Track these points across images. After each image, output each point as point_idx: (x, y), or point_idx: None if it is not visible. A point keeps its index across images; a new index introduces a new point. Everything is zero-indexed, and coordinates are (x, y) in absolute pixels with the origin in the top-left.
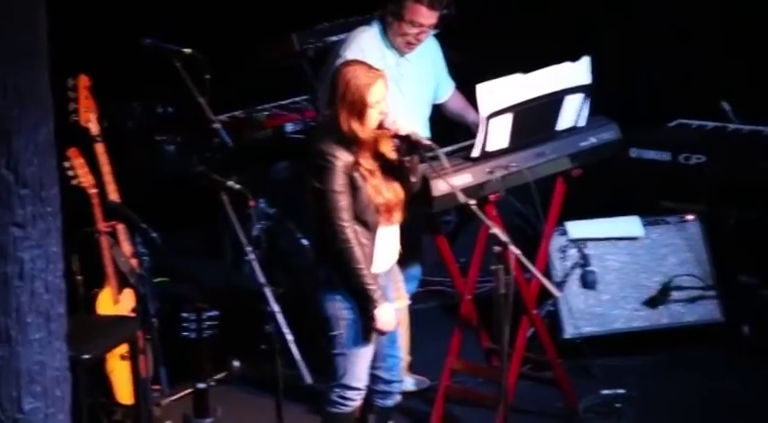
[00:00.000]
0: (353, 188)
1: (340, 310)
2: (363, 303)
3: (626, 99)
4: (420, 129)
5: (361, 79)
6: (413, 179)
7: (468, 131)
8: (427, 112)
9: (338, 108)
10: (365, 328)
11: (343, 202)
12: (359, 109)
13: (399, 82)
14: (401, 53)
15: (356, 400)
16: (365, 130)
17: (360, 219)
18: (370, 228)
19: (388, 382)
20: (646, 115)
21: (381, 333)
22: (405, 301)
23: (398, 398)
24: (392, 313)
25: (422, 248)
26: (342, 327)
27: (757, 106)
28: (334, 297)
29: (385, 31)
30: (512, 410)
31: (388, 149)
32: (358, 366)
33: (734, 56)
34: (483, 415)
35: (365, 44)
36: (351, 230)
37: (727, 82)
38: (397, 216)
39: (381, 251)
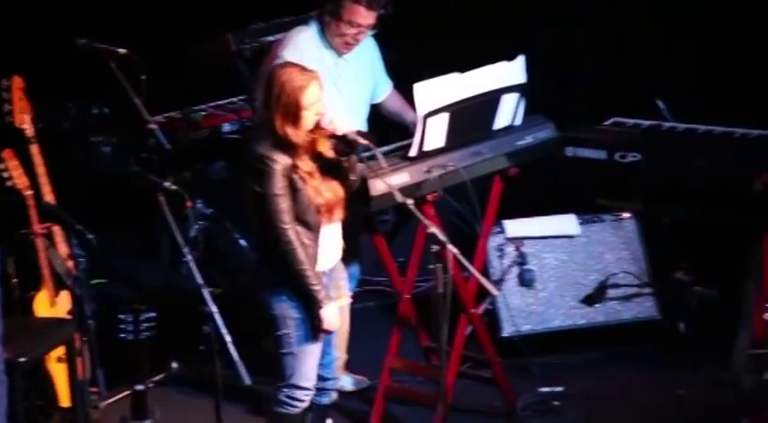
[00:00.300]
0: (293, 190)
1: (287, 310)
2: (308, 304)
3: (562, 98)
4: (358, 128)
5: (296, 82)
6: (352, 178)
7: (406, 131)
8: (365, 111)
9: (273, 111)
10: (312, 327)
11: (284, 204)
12: (293, 112)
13: (337, 82)
14: (339, 53)
15: (305, 400)
16: (300, 134)
17: (301, 220)
18: (312, 228)
19: (324, 380)
20: (581, 114)
21: (327, 333)
22: (346, 300)
23: (335, 395)
24: (337, 313)
25: (360, 248)
26: (289, 326)
27: (692, 104)
28: (281, 297)
29: (323, 32)
30: (451, 409)
31: (326, 149)
32: (306, 365)
33: (669, 54)
34: (422, 414)
35: (303, 44)
36: (293, 232)
37: (662, 80)
38: (338, 215)
39: (325, 250)
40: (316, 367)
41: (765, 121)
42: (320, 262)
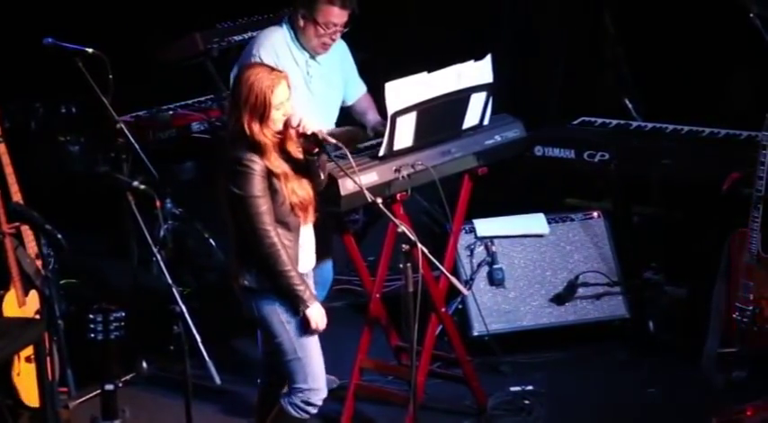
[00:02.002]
0: (272, 191)
1: (279, 315)
2: (294, 305)
3: (530, 97)
4: (329, 128)
5: (264, 81)
6: (321, 176)
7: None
8: (336, 112)
9: (242, 110)
10: (306, 326)
11: (265, 206)
12: (262, 111)
13: (309, 83)
14: (312, 54)
15: (318, 404)
16: (266, 133)
17: (281, 221)
18: (292, 229)
19: None
20: (550, 113)
21: (315, 333)
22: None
23: None
24: (322, 312)
25: (333, 250)
26: (284, 332)
27: (659, 104)
28: (269, 303)
29: (294, 33)
30: (421, 408)
31: (295, 149)
32: (313, 366)
33: (636, 54)
34: (393, 413)
35: (278, 44)
36: (274, 234)
37: (629, 80)
38: (311, 215)
39: (303, 252)
40: (322, 364)
41: (732, 121)
42: (301, 263)
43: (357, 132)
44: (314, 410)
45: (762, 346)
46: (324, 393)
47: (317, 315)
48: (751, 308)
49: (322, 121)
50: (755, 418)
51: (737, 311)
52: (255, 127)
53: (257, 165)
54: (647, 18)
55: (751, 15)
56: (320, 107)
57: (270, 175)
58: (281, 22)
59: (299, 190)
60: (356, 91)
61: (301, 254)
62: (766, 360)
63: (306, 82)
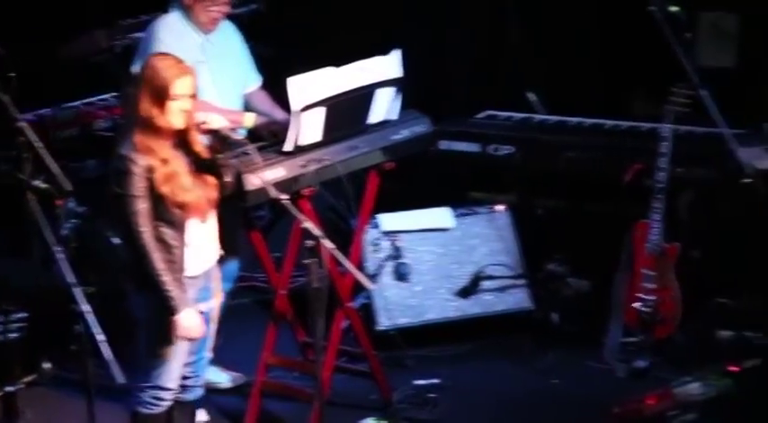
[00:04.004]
0: (157, 189)
1: (150, 312)
2: (166, 308)
3: (435, 92)
4: (234, 108)
5: (170, 69)
6: (226, 179)
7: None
8: (238, 96)
9: (141, 93)
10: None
11: (142, 206)
12: (161, 96)
13: (208, 62)
14: (206, 32)
15: (168, 400)
16: (165, 119)
17: (166, 219)
18: (177, 227)
19: (188, 377)
20: (454, 107)
21: (185, 339)
22: (219, 300)
23: (201, 391)
24: (195, 319)
25: (239, 246)
26: (154, 330)
27: (562, 97)
28: (144, 299)
29: (186, 15)
30: (327, 404)
31: (199, 147)
32: (171, 366)
33: (539, 48)
34: (299, 409)
35: (174, 26)
36: (149, 235)
37: (533, 74)
38: (210, 214)
39: (196, 251)
40: (180, 368)
41: (634, 113)
42: (192, 264)
43: (279, 126)
44: (163, 405)
45: (663, 335)
46: (174, 393)
47: (187, 321)
48: (653, 298)
49: (226, 101)
50: (657, 407)
51: (640, 301)
52: (155, 111)
53: (139, 163)
54: (551, 11)
55: (649, 8)
56: (222, 88)
57: (154, 173)
58: (170, 9)
59: (197, 189)
60: (253, 79)
61: (191, 253)
62: (667, 349)
63: (206, 61)
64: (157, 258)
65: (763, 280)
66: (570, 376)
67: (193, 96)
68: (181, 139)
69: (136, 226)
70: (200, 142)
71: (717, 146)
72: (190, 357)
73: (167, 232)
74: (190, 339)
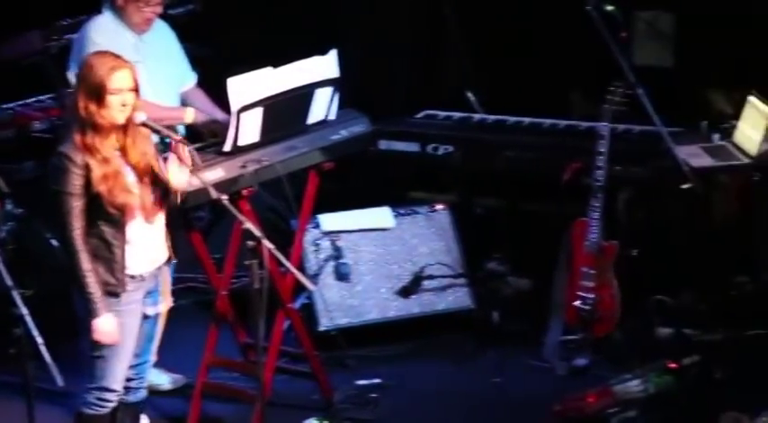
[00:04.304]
0: (96, 188)
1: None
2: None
3: (374, 91)
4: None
5: (107, 64)
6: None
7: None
8: (175, 92)
9: (79, 91)
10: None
11: (74, 204)
12: (98, 92)
13: (143, 61)
14: (139, 32)
15: (113, 401)
16: (104, 115)
17: (107, 218)
18: (118, 227)
19: (132, 380)
20: (393, 107)
21: (98, 343)
22: (168, 304)
23: (144, 393)
24: (111, 325)
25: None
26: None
27: (502, 97)
28: (83, 299)
29: (119, 16)
30: (269, 405)
31: (146, 146)
32: (116, 368)
33: (478, 47)
34: (241, 410)
35: (107, 26)
36: (78, 234)
37: (471, 73)
38: (156, 216)
39: (140, 251)
40: (124, 370)
41: (573, 113)
42: (136, 263)
43: (220, 125)
44: (108, 406)
45: (603, 333)
46: (118, 395)
47: (103, 326)
48: (592, 296)
49: (163, 100)
50: (597, 404)
51: (579, 299)
52: (92, 107)
53: (77, 161)
54: (489, 11)
55: (587, 8)
56: (159, 85)
57: (92, 172)
58: (102, 10)
59: (133, 189)
60: (188, 77)
61: (136, 252)
62: (607, 347)
63: (141, 60)
64: (84, 259)
65: (700, 277)
66: (511, 375)
67: (135, 91)
68: (131, 139)
69: (67, 225)
70: (147, 143)
71: (654, 144)
72: (134, 360)
73: (107, 231)
74: (106, 344)
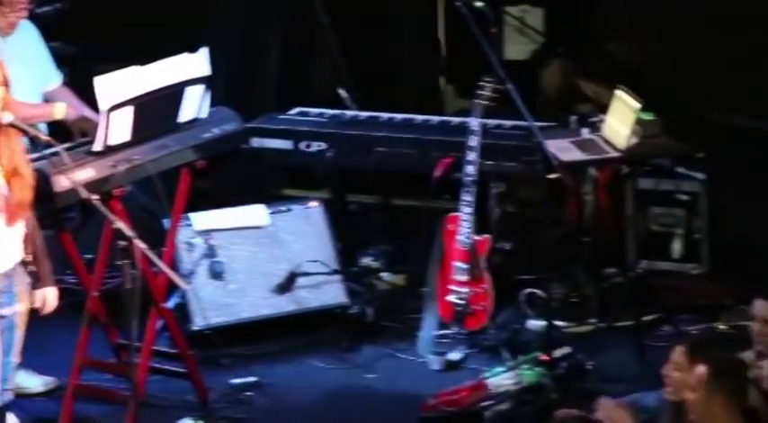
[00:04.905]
0: None
1: None
2: None
3: (246, 89)
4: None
5: None
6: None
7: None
8: (39, 93)
9: None
10: None
11: None
12: None
13: (7, 63)
14: (3, 36)
15: None
16: None
17: None
18: None
19: None
20: (266, 105)
21: None
22: (25, 305)
23: (10, 395)
24: None
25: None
26: None
27: (373, 93)
28: None
29: None
30: (143, 405)
31: (14, 147)
32: None
33: (350, 45)
34: (114, 411)
35: None
36: None
37: (343, 71)
38: (17, 218)
39: None
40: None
41: (445, 108)
42: None
43: (91, 124)
44: None
45: (476, 326)
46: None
47: None
48: (465, 290)
49: (27, 101)
50: (471, 397)
51: (452, 294)
52: None
53: None
54: (360, 8)
55: (456, 4)
56: (22, 86)
57: None
58: None
59: (1, 190)
60: (53, 77)
61: None
62: (481, 341)
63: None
64: None
65: (571, 270)
66: (385, 370)
67: (5, 85)
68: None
69: None
70: (19, 142)
71: (525, 139)
72: None
73: None
74: None
